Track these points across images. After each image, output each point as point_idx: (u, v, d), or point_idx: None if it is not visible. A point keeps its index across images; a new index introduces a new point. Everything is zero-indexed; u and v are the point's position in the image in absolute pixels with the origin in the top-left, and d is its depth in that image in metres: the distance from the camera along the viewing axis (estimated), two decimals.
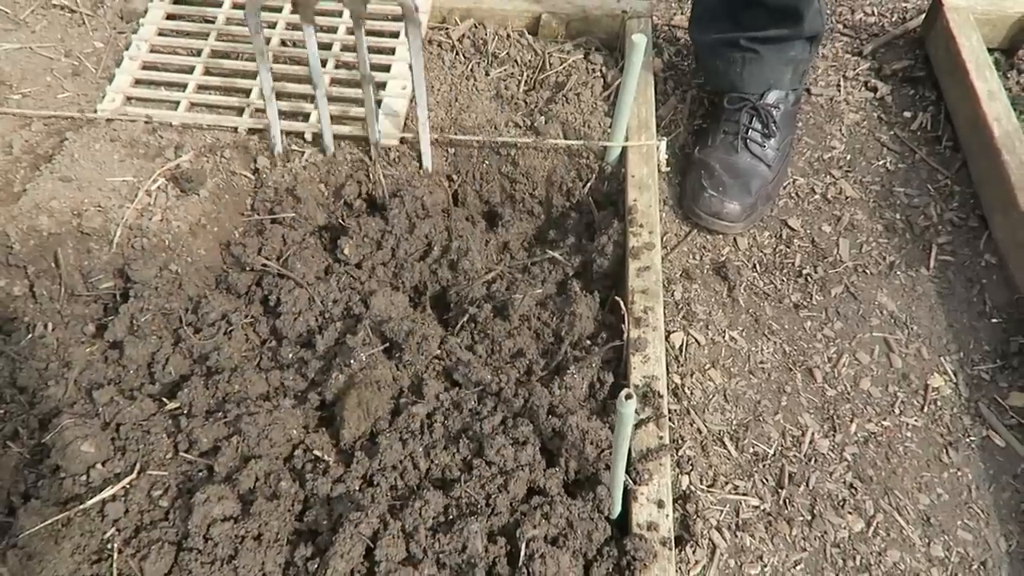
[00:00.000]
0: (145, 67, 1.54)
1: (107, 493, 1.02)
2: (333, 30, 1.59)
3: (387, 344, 1.20)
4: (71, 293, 1.28)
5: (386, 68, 1.54)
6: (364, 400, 1.09)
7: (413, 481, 1.05)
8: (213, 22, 1.60)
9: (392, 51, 1.58)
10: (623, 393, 0.85)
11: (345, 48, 1.57)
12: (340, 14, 1.61)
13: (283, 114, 1.44)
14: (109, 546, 0.99)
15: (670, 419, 1.26)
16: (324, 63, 1.51)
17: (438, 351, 1.20)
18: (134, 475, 1.04)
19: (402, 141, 1.46)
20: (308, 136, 1.46)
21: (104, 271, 1.29)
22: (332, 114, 1.43)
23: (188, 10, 1.62)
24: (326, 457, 1.08)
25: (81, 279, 1.29)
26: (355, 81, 1.48)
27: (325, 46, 1.55)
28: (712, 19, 1.51)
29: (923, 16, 1.80)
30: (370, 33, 1.59)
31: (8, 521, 1.01)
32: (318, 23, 1.51)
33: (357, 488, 1.05)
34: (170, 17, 1.61)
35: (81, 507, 1.00)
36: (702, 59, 1.63)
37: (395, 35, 1.60)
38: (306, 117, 1.47)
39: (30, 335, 1.22)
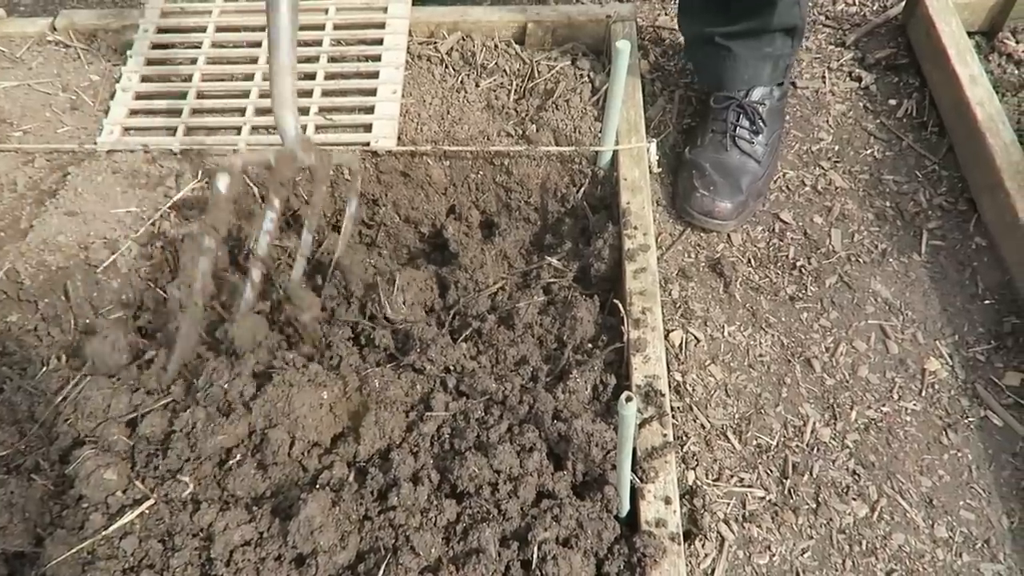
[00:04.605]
0: (139, 97, 1.57)
1: (129, 518, 1.05)
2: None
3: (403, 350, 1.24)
4: (82, 325, 1.31)
5: (375, 75, 1.58)
6: (381, 419, 1.13)
7: (426, 492, 1.08)
8: (199, 47, 1.63)
9: (378, 58, 1.61)
10: (623, 396, 0.88)
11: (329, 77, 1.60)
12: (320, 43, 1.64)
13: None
14: (134, 572, 1.02)
15: (673, 416, 1.29)
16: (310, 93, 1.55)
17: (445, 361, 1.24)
18: (154, 502, 1.07)
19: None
20: None
21: (113, 302, 1.32)
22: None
23: (174, 38, 1.65)
24: (341, 475, 1.11)
25: (91, 311, 1.32)
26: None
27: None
28: (698, 10, 1.54)
29: (903, 3, 1.82)
30: (355, 41, 1.63)
31: (36, 551, 1.04)
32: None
33: (373, 501, 1.08)
34: (157, 46, 1.64)
35: (105, 534, 1.03)
36: (688, 52, 1.66)
37: (379, 42, 1.63)
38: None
39: (44, 368, 1.25)
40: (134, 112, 1.55)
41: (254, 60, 1.61)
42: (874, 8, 1.89)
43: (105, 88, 1.59)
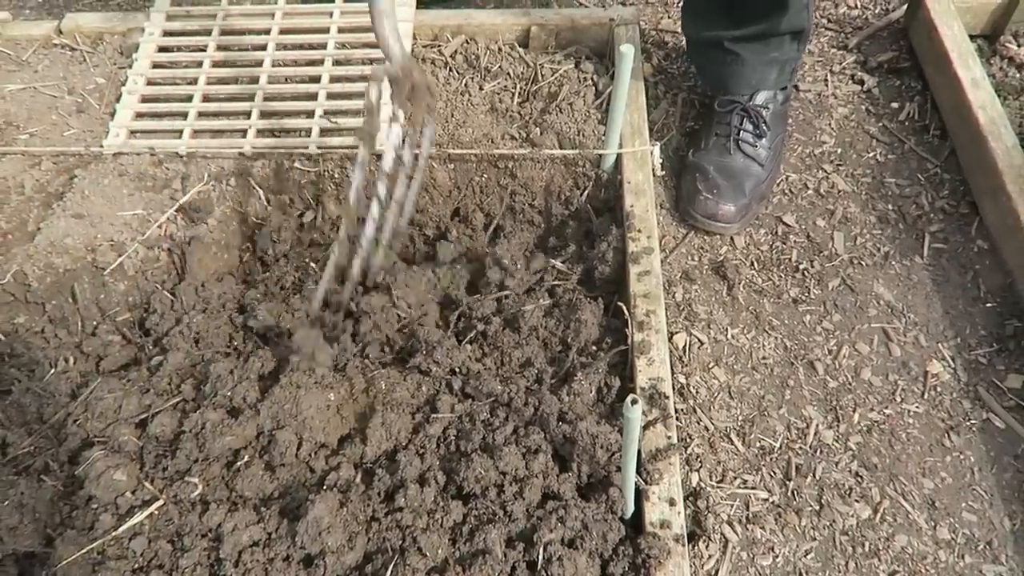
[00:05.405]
0: (144, 100, 1.58)
1: (139, 519, 1.05)
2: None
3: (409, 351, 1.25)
4: (89, 327, 1.32)
5: None
6: (387, 421, 1.14)
7: (433, 494, 1.09)
8: (205, 50, 1.64)
9: (383, 61, 1.61)
10: (629, 399, 0.89)
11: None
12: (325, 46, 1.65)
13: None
14: (143, 573, 1.03)
15: (677, 418, 1.29)
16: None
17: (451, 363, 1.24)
18: (163, 502, 1.08)
19: None
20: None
21: (120, 304, 1.33)
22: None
23: (180, 41, 1.65)
24: (348, 476, 1.11)
25: (98, 312, 1.33)
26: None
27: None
28: (704, 12, 1.54)
29: (905, 6, 1.83)
30: (359, 45, 1.64)
31: (46, 552, 1.05)
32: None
33: (380, 503, 1.08)
34: (162, 49, 1.65)
35: (115, 535, 1.04)
36: (691, 55, 1.67)
37: None
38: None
39: (53, 370, 1.25)
40: (140, 115, 1.56)
41: (259, 63, 1.62)
42: (876, 11, 1.90)
43: (111, 91, 1.60)
